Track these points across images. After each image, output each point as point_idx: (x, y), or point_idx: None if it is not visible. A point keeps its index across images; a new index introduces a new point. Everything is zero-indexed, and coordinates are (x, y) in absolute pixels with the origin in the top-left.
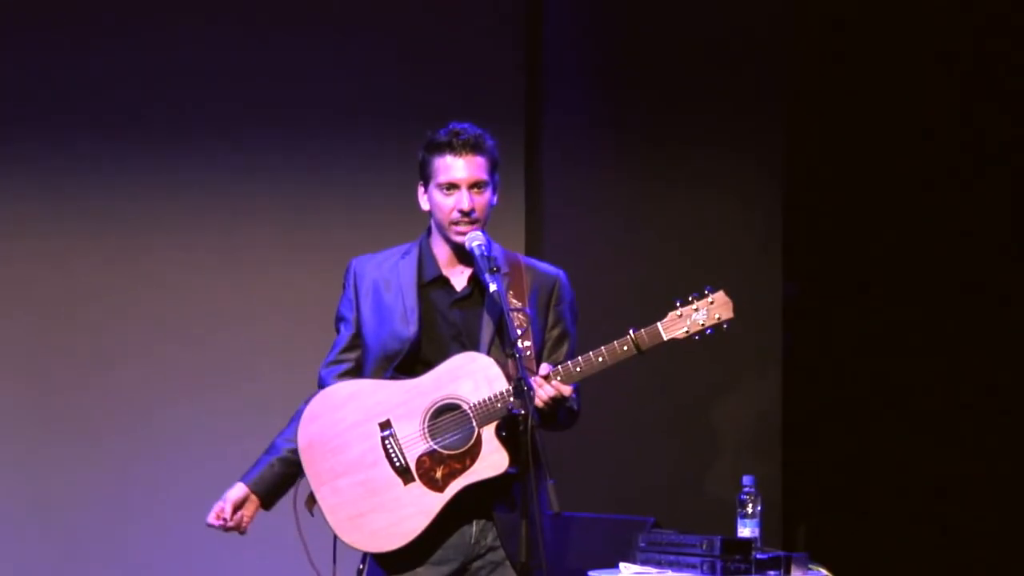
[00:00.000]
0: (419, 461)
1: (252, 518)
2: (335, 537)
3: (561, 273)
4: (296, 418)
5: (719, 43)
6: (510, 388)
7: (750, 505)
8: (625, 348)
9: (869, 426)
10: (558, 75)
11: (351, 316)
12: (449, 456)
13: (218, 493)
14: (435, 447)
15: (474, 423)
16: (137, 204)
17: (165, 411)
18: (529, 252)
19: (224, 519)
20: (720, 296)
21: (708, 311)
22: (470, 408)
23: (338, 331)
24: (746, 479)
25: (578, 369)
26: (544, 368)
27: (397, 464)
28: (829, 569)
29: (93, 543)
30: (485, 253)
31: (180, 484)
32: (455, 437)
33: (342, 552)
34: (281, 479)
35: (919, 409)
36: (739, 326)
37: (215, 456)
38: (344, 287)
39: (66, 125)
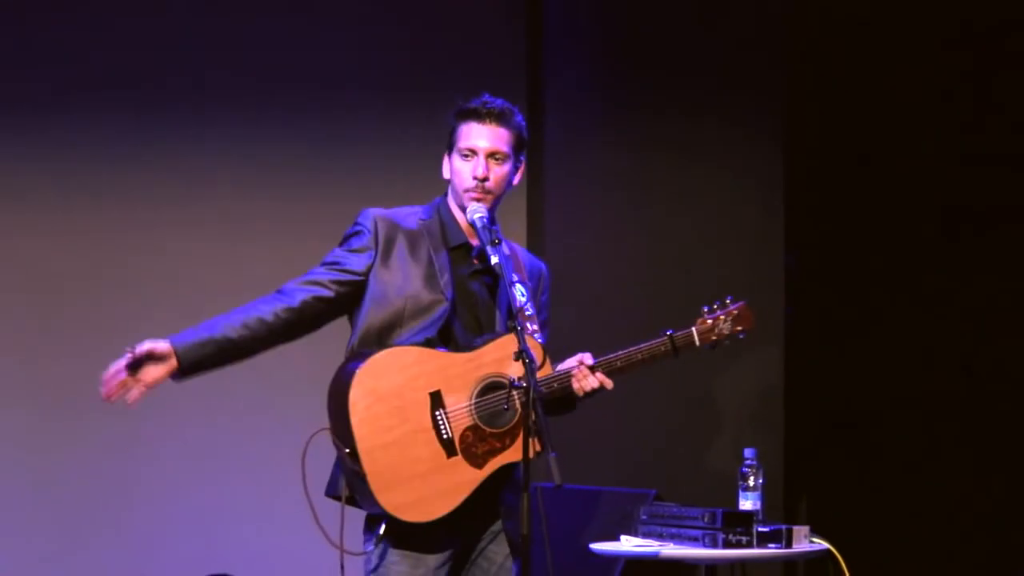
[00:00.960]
0: (463, 435)
1: (152, 385)
2: (343, 504)
3: (544, 267)
4: (248, 308)
5: (721, 15)
6: (549, 370)
7: (752, 478)
8: (663, 349)
9: (872, 398)
10: (559, 49)
11: (364, 262)
12: (491, 434)
13: (213, 465)
14: (479, 423)
15: (517, 403)
16: (133, 176)
17: (163, 384)
18: (530, 227)
19: (130, 353)
20: (743, 308)
21: (733, 321)
22: (513, 388)
23: (337, 262)
24: (748, 452)
25: (619, 363)
26: (588, 358)
27: (444, 436)
28: (831, 542)
29: (92, 517)
30: (487, 225)
31: (178, 458)
32: (499, 415)
33: (349, 518)
34: (208, 359)
35: (923, 381)
36: (742, 298)
37: (213, 429)
38: (361, 231)
39: (63, 95)
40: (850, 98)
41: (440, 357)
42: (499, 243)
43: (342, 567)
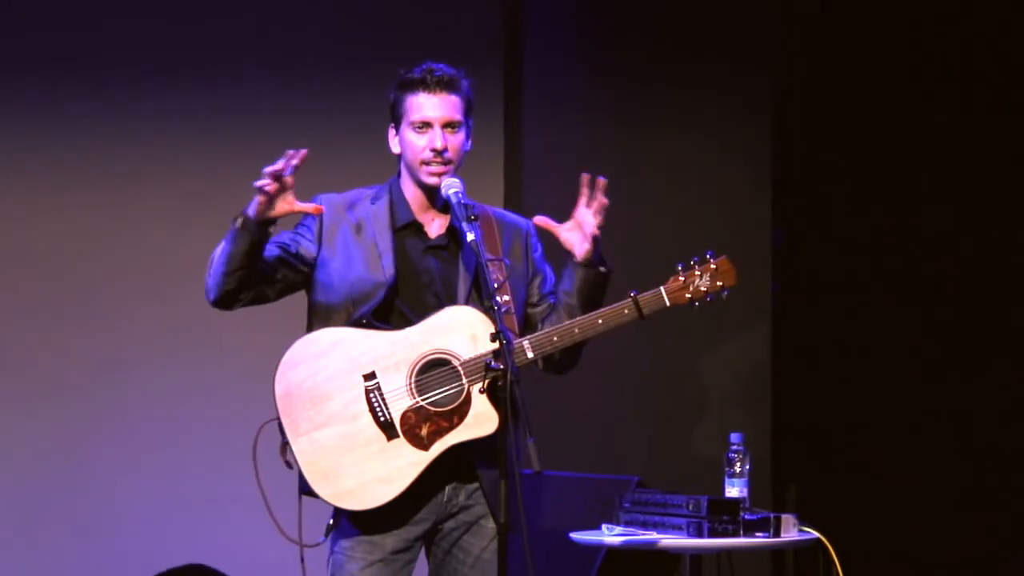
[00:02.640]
0: (404, 416)
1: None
2: (300, 495)
3: (530, 223)
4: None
5: None
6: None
7: (738, 464)
8: (626, 312)
9: (862, 380)
10: (540, 14)
11: (311, 251)
12: (436, 413)
13: (178, 455)
14: (422, 403)
15: (464, 380)
16: (104, 152)
17: (137, 367)
18: (508, 199)
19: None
20: (723, 262)
21: (711, 277)
22: (460, 364)
23: (287, 246)
24: (734, 436)
25: (576, 331)
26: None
27: (381, 419)
28: (821, 531)
29: (50, 508)
30: (462, 200)
31: (142, 449)
32: (443, 394)
33: (307, 509)
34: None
35: (915, 362)
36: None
37: (187, 409)
38: (307, 221)
39: (40, 68)
40: (839, 69)
41: (372, 337)
42: (475, 219)
43: (302, 559)
